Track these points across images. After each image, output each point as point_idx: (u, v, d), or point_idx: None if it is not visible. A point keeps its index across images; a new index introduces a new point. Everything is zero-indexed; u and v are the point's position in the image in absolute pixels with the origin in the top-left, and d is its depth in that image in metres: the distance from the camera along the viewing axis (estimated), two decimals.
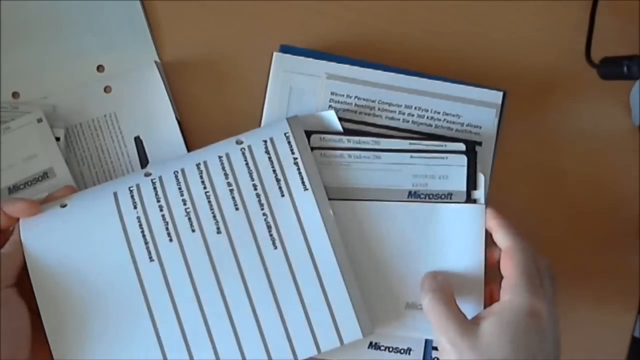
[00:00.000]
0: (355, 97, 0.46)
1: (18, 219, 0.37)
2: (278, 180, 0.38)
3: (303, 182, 0.38)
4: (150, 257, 0.36)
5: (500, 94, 0.46)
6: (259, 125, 0.45)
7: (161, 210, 0.37)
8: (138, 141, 0.47)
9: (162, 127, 0.47)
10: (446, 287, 0.37)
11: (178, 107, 0.48)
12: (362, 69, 0.46)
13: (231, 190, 0.37)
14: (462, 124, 0.46)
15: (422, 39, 0.48)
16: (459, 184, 0.40)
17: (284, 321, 0.37)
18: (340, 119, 0.46)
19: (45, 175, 0.45)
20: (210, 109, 0.48)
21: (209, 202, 0.37)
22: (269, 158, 0.38)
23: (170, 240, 0.37)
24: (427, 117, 0.46)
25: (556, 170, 0.48)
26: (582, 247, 0.47)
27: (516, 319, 0.34)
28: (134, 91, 0.47)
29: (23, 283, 0.36)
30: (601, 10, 0.47)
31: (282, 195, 0.38)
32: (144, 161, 0.47)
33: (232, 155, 0.38)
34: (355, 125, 0.46)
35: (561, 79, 0.48)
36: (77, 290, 0.36)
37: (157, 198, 0.37)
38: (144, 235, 0.37)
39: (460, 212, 0.40)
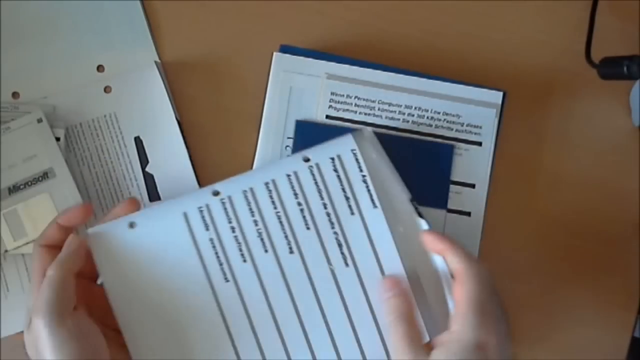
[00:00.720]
0: (355, 97, 0.46)
1: (71, 231, 0.37)
2: (347, 199, 0.38)
3: (372, 200, 0.38)
4: (226, 278, 0.36)
5: (500, 94, 0.46)
6: (259, 125, 0.46)
7: (233, 231, 0.37)
8: (138, 141, 0.47)
9: (162, 127, 0.47)
10: (410, 302, 0.37)
11: (178, 107, 0.48)
12: (362, 69, 0.46)
13: (301, 210, 0.38)
14: (462, 124, 0.46)
15: (422, 39, 0.48)
16: None
17: (358, 339, 0.37)
18: (340, 118, 0.46)
19: (45, 175, 0.45)
20: (210, 109, 0.48)
21: (280, 222, 0.37)
22: (338, 176, 0.38)
23: (244, 260, 0.37)
24: (427, 117, 0.46)
25: (556, 170, 0.48)
26: (582, 247, 0.47)
27: (463, 352, 0.33)
28: (134, 91, 0.47)
29: (89, 301, 0.35)
30: (601, 10, 0.47)
31: (352, 214, 0.38)
32: (144, 161, 0.47)
33: (301, 174, 0.38)
34: (356, 125, 0.46)
35: (561, 79, 0.48)
36: (156, 311, 0.36)
37: (228, 219, 0.37)
38: (217, 257, 0.37)
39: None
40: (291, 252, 0.37)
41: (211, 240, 0.37)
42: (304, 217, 0.37)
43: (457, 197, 0.45)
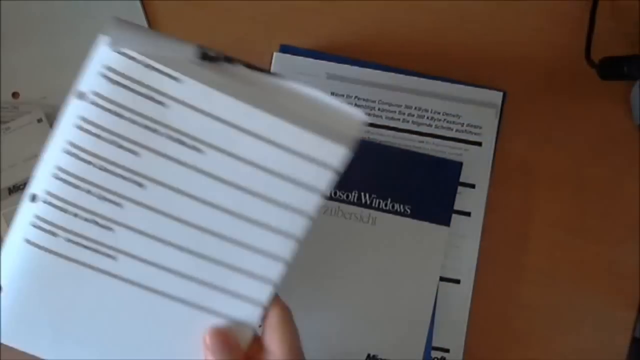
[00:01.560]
0: (355, 97, 0.46)
1: None
2: (151, 98, 0.33)
3: (172, 76, 0.33)
4: (110, 256, 0.34)
5: (500, 94, 0.46)
6: None
7: (76, 216, 0.33)
8: None
9: None
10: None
11: None
12: (362, 69, 0.46)
13: (118, 145, 0.33)
14: (462, 124, 0.46)
15: (422, 39, 0.48)
16: None
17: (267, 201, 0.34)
18: None
19: None
20: None
21: (108, 170, 0.33)
22: (124, 86, 0.33)
23: (110, 229, 0.34)
24: (427, 117, 0.46)
25: (556, 170, 0.48)
26: (582, 247, 0.47)
27: None
28: None
29: None
30: (601, 10, 0.47)
31: (166, 106, 0.33)
32: None
33: (89, 115, 0.33)
34: None
35: (561, 79, 0.48)
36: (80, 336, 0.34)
37: (63, 211, 0.33)
38: (87, 248, 0.34)
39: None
40: (141, 186, 0.33)
41: (69, 240, 0.33)
42: (124, 148, 0.33)
43: (457, 197, 0.45)
